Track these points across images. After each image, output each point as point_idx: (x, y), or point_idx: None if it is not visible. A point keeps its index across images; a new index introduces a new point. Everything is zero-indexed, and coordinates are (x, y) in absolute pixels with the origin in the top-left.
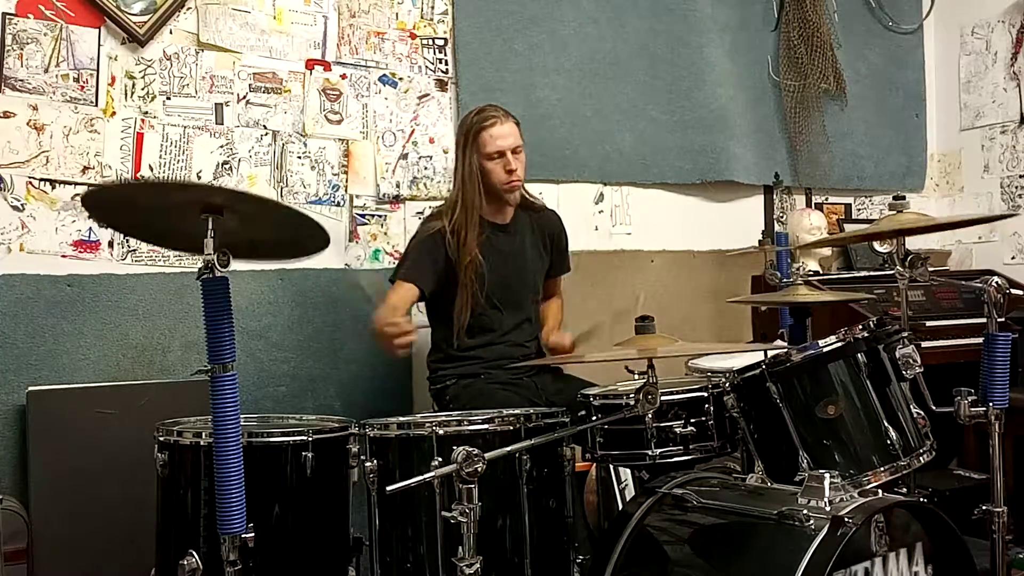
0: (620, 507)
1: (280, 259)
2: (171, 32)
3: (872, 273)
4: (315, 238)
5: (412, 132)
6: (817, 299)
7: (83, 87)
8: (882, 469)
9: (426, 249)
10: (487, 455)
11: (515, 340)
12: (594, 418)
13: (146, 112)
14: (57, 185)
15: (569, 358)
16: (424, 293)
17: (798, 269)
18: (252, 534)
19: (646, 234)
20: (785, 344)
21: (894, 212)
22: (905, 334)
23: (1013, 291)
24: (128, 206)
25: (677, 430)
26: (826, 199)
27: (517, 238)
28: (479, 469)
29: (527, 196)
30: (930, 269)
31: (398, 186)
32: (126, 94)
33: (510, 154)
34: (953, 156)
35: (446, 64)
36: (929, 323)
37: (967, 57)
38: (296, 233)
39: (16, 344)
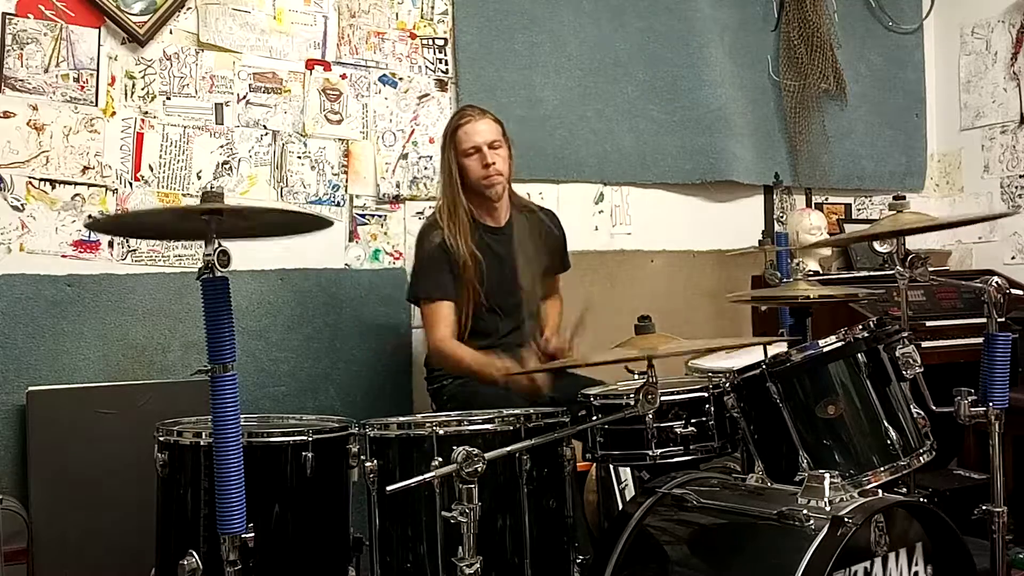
0: (620, 507)
1: (283, 236)
2: (171, 32)
3: (872, 273)
4: (317, 223)
5: (412, 132)
6: (817, 293)
7: (83, 87)
8: (882, 469)
9: (438, 262)
10: (487, 455)
11: (513, 342)
12: (594, 418)
13: (146, 112)
14: (57, 185)
15: (569, 363)
16: (455, 302)
17: (797, 266)
18: (252, 534)
19: (646, 234)
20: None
21: (894, 212)
22: (905, 334)
23: (1013, 291)
24: (131, 224)
25: (677, 430)
26: (826, 199)
27: (512, 240)
28: (479, 469)
29: (519, 198)
30: (930, 269)
31: (398, 186)
32: (126, 94)
33: (486, 148)
34: (953, 156)
35: (446, 64)
36: (929, 323)
37: (967, 57)
38: (297, 224)
39: (16, 344)
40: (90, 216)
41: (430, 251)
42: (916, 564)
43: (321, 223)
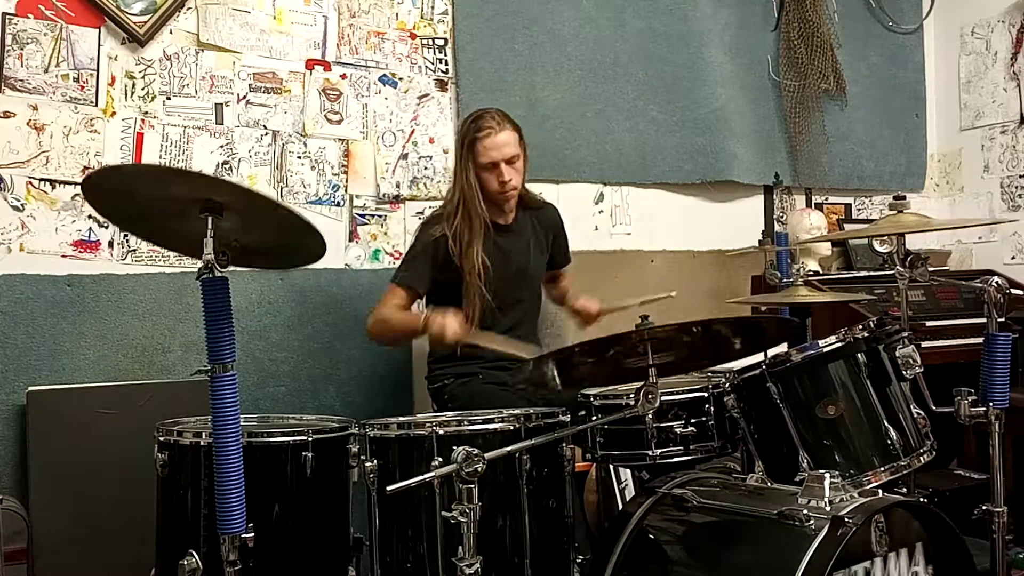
0: (620, 507)
1: (274, 268)
2: (171, 32)
3: (872, 273)
4: (312, 244)
5: (412, 132)
6: (817, 299)
7: (83, 87)
8: (882, 469)
9: (427, 255)
10: (487, 455)
11: (513, 337)
12: (594, 418)
13: (146, 112)
14: (57, 185)
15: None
16: (419, 295)
17: (798, 270)
18: (252, 534)
19: (646, 234)
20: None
21: (894, 212)
22: (905, 334)
23: (1013, 291)
24: (127, 196)
25: (677, 430)
26: (826, 199)
27: (520, 238)
28: (479, 469)
29: (527, 194)
30: (930, 269)
31: (398, 186)
32: (126, 94)
33: (504, 165)
34: (953, 156)
35: (446, 64)
36: (929, 323)
37: (967, 57)
38: (294, 238)
39: (16, 344)
40: (85, 168)
41: (423, 242)
42: (916, 564)
43: (314, 249)
